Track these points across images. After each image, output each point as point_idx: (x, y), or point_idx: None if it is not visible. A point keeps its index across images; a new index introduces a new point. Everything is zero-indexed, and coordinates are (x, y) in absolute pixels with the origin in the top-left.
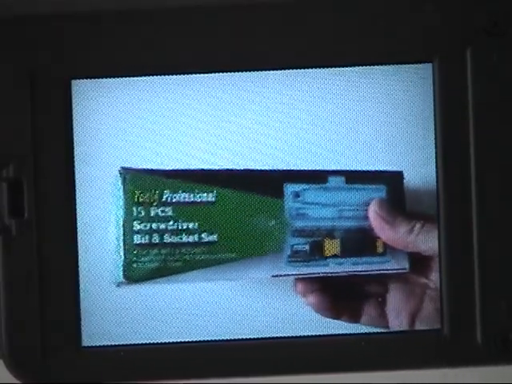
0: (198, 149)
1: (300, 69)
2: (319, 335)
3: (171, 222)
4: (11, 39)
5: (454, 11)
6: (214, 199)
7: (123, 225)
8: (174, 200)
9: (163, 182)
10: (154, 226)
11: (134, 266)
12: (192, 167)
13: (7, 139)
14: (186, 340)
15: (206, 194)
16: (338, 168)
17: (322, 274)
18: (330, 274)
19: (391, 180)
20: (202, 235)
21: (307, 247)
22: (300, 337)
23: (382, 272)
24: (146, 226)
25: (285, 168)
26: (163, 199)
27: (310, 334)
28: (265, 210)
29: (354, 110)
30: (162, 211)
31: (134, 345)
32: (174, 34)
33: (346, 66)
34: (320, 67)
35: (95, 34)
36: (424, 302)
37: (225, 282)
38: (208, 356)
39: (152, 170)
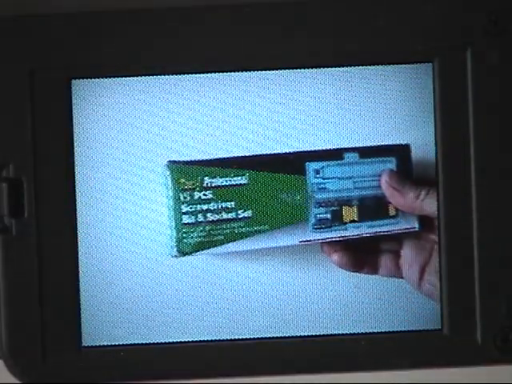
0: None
1: (300, 69)
2: (319, 335)
3: (212, 203)
4: (11, 39)
5: (454, 11)
6: (246, 181)
7: (174, 208)
8: (213, 184)
9: (203, 170)
10: (198, 207)
11: (185, 241)
12: (225, 155)
13: (7, 139)
14: (187, 340)
15: (239, 177)
16: (352, 145)
17: (342, 238)
18: (349, 237)
19: (400, 152)
20: (239, 212)
21: (329, 215)
22: (300, 337)
23: (394, 232)
24: (191, 208)
25: (306, 149)
26: (204, 184)
27: (309, 334)
28: (291, 186)
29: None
30: (204, 195)
31: (134, 345)
32: (174, 34)
33: (346, 66)
34: (320, 67)
35: (95, 33)
36: (433, 255)
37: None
38: (208, 356)
39: (194, 161)
